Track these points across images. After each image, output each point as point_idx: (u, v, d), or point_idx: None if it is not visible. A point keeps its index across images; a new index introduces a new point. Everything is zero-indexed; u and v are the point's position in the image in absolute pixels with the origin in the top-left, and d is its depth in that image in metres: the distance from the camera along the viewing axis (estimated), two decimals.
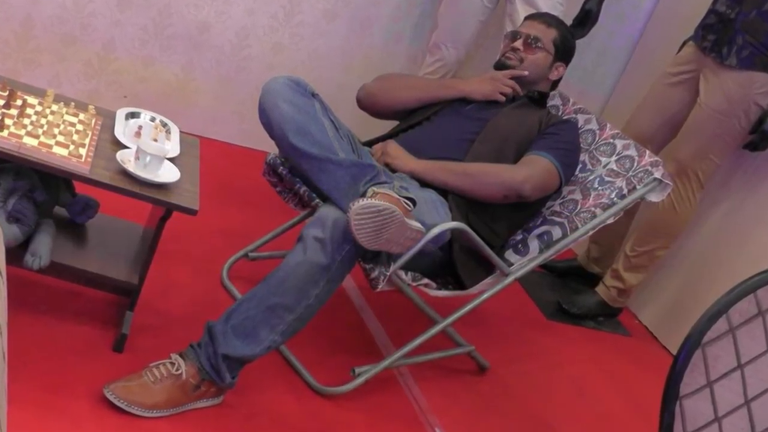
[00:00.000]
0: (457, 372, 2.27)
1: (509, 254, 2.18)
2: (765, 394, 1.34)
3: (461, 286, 2.07)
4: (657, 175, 2.16)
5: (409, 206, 1.74)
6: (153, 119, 1.97)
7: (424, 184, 2.06)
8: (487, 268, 2.10)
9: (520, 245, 2.19)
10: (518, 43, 2.30)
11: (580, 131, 2.34)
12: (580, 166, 2.26)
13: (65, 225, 1.90)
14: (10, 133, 1.64)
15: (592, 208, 2.16)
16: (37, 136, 1.67)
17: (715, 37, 2.55)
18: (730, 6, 2.52)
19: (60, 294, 1.92)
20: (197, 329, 1.80)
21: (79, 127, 1.79)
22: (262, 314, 1.75)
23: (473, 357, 2.31)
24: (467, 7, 2.81)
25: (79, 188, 1.85)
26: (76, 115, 1.83)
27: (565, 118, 2.39)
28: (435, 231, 1.84)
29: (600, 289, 2.88)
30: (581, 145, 2.28)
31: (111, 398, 1.67)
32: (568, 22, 2.59)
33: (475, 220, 2.05)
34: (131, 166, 1.72)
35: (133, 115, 1.95)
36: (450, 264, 2.04)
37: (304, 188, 1.99)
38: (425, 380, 2.17)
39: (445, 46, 2.87)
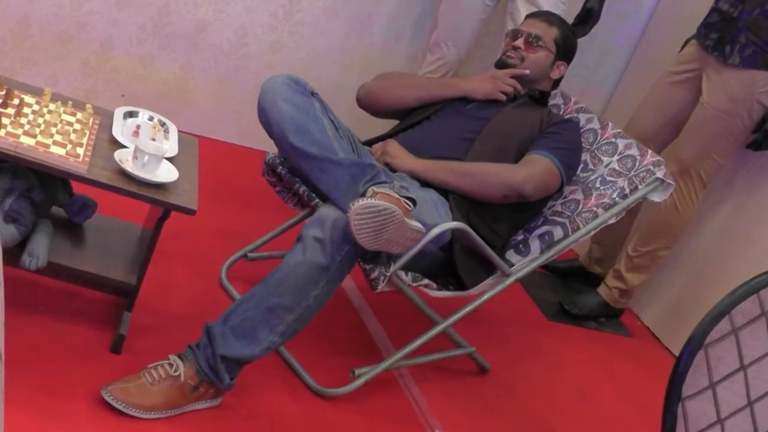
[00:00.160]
0: (458, 373, 2.27)
1: (510, 254, 2.17)
2: None
3: (462, 287, 2.06)
4: (659, 174, 2.16)
5: (410, 206, 1.74)
6: (151, 118, 1.96)
7: (424, 183, 2.06)
8: (488, 269, 2.09)
9: (521, 245, 2.18)
10: (519, 42, 2.30)
11: (581, 130, 2.33)
12: (581, 165, 2.26)
13: (63, 225, 1.90)
14: (7, 133, 1.64)
15: (594, 208, 2.15)
16: (34, 136, 1.67)
17: (718, 36, 2.54)
18: (732, 4, 2.51)
19: (57, 294, 1.92)
20: (196, 330, 1.79)
21: (77, 126, 1.79)
22: (261, 315, 1.74)
23: (474, 358, 2.30)
24: (468, 6, 2.80)
25: (77, 188, 1.84)
26: (73, 114, 1.83)
27: (566, 117, 2.38)
28: (435, 231, 1.83)
29: (602, 289, 2.87)
30: (583, 145, 2.28)
31: (109, 400, 1.66)
32: (570, 20, 2.59)
33: (475, 220, 2.05)
34: (129, 166, 1.71)
35: (131, 115, 1.95)
36: (450, 264, 2.04)
37: (303, 188, 1.98)
38: (426, 381, 2.17)
39: (446, 44, 2.86)
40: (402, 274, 1.91)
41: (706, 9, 2.63)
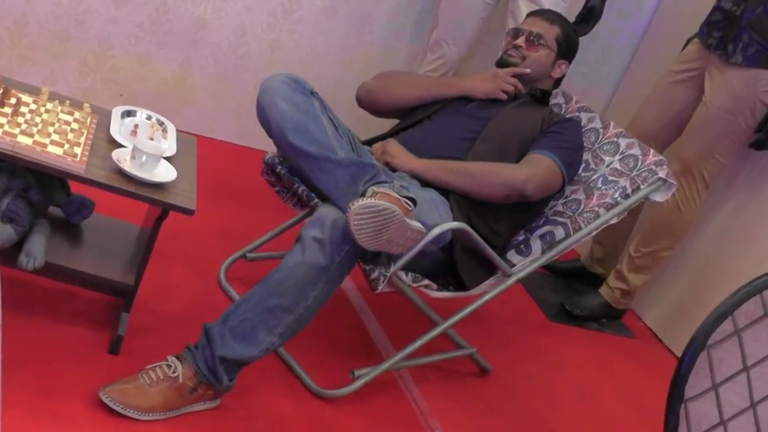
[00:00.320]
0: (458, 374, 2.26)
1: (511, 255, 2.16)
2: None
3: (462, 287, 2.06)
4: (661, 174, 2.15)
5: (410, 206, 1.73)
6: (149, 118, 1.96)
7: (424, 183, 2.05)
8: (488, 269, 2.08)
9: (522, 246, 2.17)
10: (520, 41, 2.29)
11: (583, 130, 2.33)
12: (583, 165, 2.25)
13: (60, 225, 1.89)
14: (4, 132, 1.64)
15: (596, 208, 2.14)
16: (31, 135, 1.67)
17: (721, 35, 2.53)
18: (735, 3, 2.50)
19: (55, 295, 1.91)
20: (194, 331, 1.78)
21: (75, 125, 1.78)
22: (260, 316, 1.74)
23: (474, 359, 2.29)
24: (468, 4, 2.80)
25: (75, 188, 1.84)
26: (71, 113, 1.82)
27: (567, 116, 2.38)
28: (436, 231, 1.83)
29: (603, 290, 2.87)
30: (584, 144, 2.27)
31: (107, 401, 1.66)
32: (571, 18, 2.58)
33: (476, 220, 2.04)
34: (127, 166, 1.71)
35: (129, 114, 1.94)
36: (451, 265, 2.03)
37: (302, 188, 1.98)
38: (426, 383, 2.16)
39: (446, 43, 2.85)
40: (402, 274, 1.90)
41: (708, 7, 2.62)
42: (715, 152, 2.60)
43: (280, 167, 2.04)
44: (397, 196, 1.71)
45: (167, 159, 1.80)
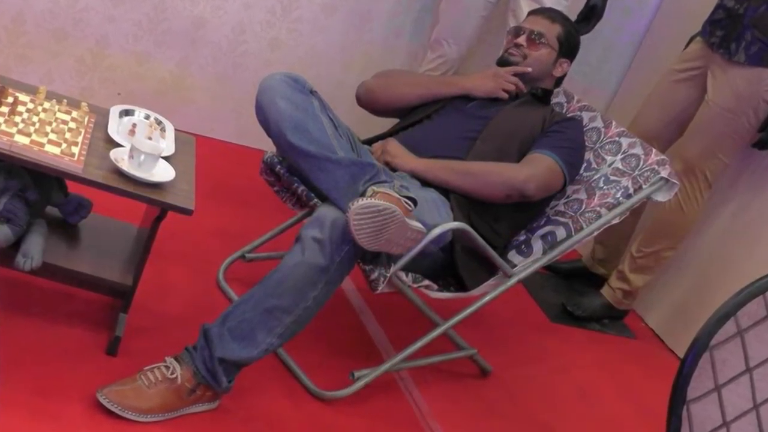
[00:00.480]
0: (459, 376, 2.26)
1: (512, 255, 2.16)
2: None
3: (463, 288, 2.05)
4: (664, 174, 2.14)
5: (410, 206, 1.73)
6: (147, 117, 1.96)
7: (425, 183, 2.05)
8: (489, 270, 2.08)
9: (523, 246, 2.16)
10: (521, 39, 2.28)
11: (584, 129, 2.32)
12: (584, 164, 2.25)
13: (57, 225, 1.89)
14: (1, 131, 1.63)
15: (597, 208, 2.14)
16: (28, 134, 1.66)
17: (723, 33, 2.52)
18: (738, 1, 2.49)
19: (52, 296, 1.91)
20: (193, 332, 1.78)
21: (72, 125, 1.78)
22: (260, 317, 1.73)
23: (475, 360, 2.29)
24: (469, 2, 2.79)
25: (72, 188, 1.83)
26: (68, 112, 1.82)
27: (569, 115, 2.37)
28: (436, 231, 1.82)
29: (605, 290, 2.86)
30: (586, 144, 2.26)
31: (104, 402, 1.65)
32: (573, 17, 2.57)
33: (477, 220, 2.03)
34: (125, 165, 1.70)
35: (127, 113, 1.94)
36: (451, 265, 2.03)
37: (302, 187, 1.97)
38: (426, 384, 2.16)
39: (447, 42, 2.85)
40: (402, 274, 1.89)
41: (711, 6, 2.62)
42: (717, 152, 2.60)
43: (279, 167, 2.03)
44: (398, 196, 1.70)
45: (165, 158, 1.79)
